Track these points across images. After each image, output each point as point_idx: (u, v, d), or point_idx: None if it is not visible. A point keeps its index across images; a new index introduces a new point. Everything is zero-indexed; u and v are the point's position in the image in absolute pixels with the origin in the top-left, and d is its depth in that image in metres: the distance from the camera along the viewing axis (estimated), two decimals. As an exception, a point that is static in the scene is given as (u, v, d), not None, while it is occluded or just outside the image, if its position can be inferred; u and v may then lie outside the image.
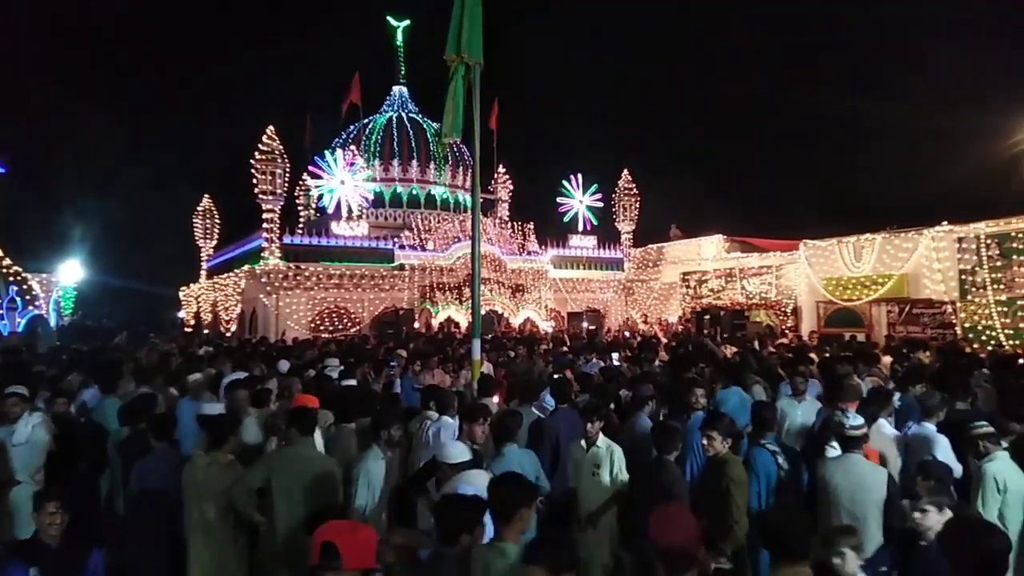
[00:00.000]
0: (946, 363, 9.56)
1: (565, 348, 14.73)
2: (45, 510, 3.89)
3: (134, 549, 4.95)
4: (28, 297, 25.36)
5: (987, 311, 17.13)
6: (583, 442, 5.56)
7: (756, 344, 14.94)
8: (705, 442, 4.95)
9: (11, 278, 24.95)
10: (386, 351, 12.99)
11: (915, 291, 18.91)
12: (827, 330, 20.09)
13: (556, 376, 9.68)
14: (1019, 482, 4.52)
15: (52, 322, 27.17)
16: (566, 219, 31.71)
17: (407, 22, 34.62)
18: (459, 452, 4.51)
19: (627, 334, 21.05)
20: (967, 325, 17.44)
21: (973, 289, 17.51)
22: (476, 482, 4.03)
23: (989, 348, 15.80)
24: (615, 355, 12.27)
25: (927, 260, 18.69)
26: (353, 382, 8.21)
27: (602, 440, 5.50)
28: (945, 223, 18.57)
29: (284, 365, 9.71)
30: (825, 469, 4.72)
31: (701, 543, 3.10)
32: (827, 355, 11.34)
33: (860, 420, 4.77)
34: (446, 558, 3.27)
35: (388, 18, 34.48)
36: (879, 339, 17.94)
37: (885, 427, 5.88)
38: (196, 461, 4.81)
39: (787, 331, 21.25)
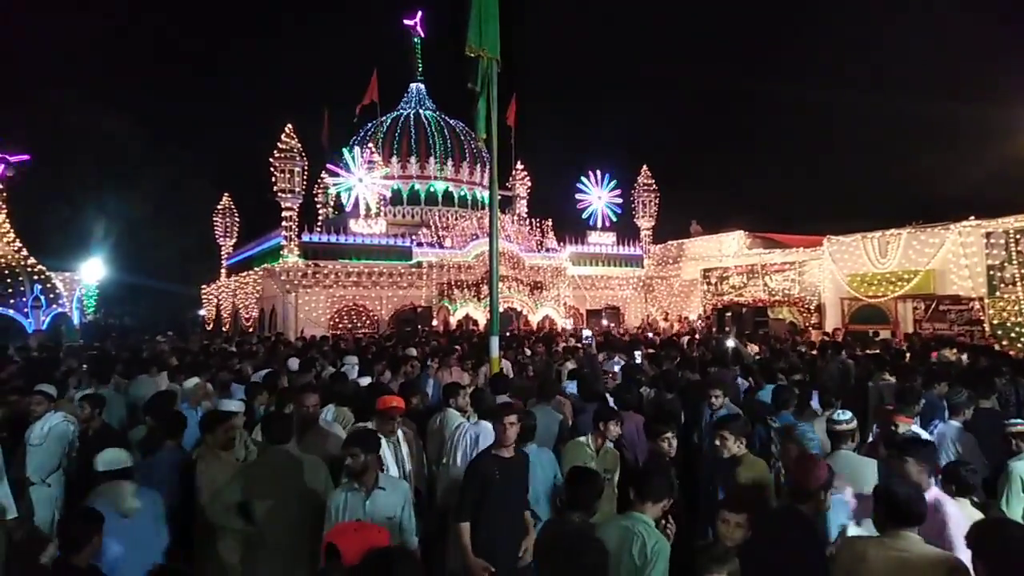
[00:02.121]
0: (993, 363, 9.31)
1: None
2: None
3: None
4: (52, 295, 25.78)
5: (1016, 307, 16.82)
6: (590, 444, 5.33)
7: (787, 341, 14.83)
8: (718, 443, 4.86)
9: (35, 276, 25.37)
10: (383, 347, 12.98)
11: (942, 287, 18.61)
12: (852, 327, 19.85)
13: (573, 369, 9.67)
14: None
15: (75, 320, 27.62)
16: (585, 215, 31.66)
17: (420, 14, 34.64)
18: (114, 459, 4.19)
19: (649, 334, 20.92)
20: (995, 322, 17.14)
21: (1002, 285, 17.20)
22: (112, 493, 3.95)
23: (1019, 345, 15.54)
24: (638, 353, 12.20)
25: (954, 256, 18.39)
26: (368, 380, 8.22)
27: (608, 445, 5.36)
28: (972, 218, 18.26)
29: (294, 363, 9.72)
30: None
31: (829, 486, 3.72)
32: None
33: (848, 415, 4.76)
34: (586, 523, 3.63)
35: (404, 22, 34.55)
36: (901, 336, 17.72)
37: (914, 428, 5.80)
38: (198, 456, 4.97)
39: (811, 328, 21.05)
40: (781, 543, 3.49)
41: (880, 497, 3.35)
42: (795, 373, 8.18)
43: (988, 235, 17.60)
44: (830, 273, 21.73)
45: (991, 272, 17.45)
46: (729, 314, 24.82)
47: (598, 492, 3.78)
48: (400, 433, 5.40)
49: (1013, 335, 16.43)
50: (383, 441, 5.00)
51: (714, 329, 22.97)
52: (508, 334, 18.66)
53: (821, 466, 3.79)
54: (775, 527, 3.61)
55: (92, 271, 30.25)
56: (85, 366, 10.73)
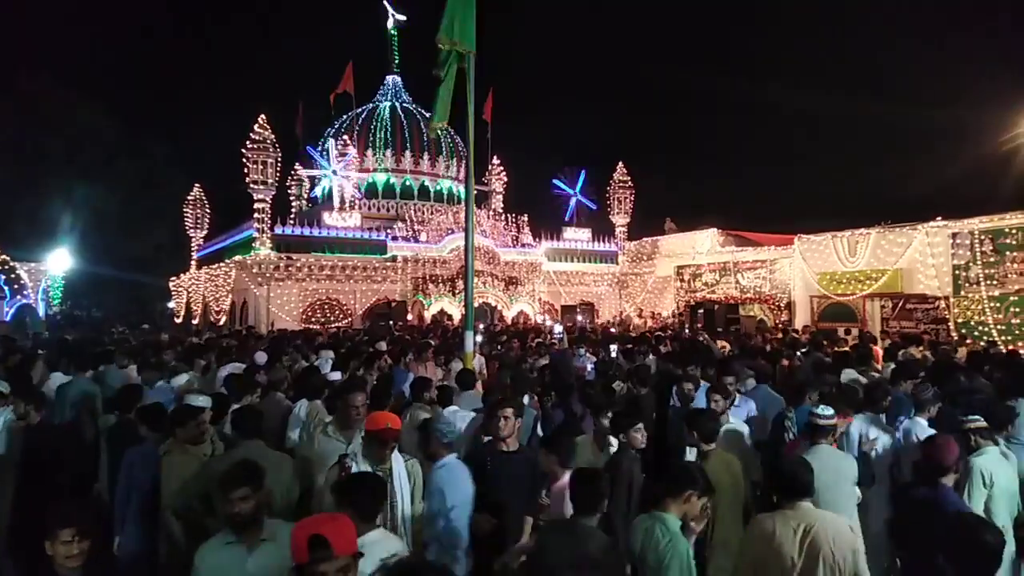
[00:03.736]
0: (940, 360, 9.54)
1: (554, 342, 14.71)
2: (59, 539, 3.01)
3: (125, 539, 4.90)
4: (16, 286, 25.19)
5: (980, 307, 17.20)
6: (592, 439, 5.27)
7: (758, 337, 14.95)
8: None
9: (-2, 267, 24.79)
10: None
11: (909, 286, 18.99)
12: (821, 324, 20.16)
13: (546, 364, 9.65)
14: (1006, 476, 4.55)
15: (40, 312, 27.01)
16: (567, 218, 31.80)
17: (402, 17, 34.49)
18: None
19: (612, 330, 20.95)
20: (960, 320, 17.52)
21: (966, 284, 17.58)
22: None
23: (981, 344, 15.90)
24: (613, 347, 12.24)
25: (921, 255, 18.76)
26: (337, 376, 8.10)
27: (614, 440, 5.17)
28: (939, 218, 18.65)
29: (262, 357, 9.57)
30: None
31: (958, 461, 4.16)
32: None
33: (830, 411, 4.81)
34: (588, 526, 3.44)
35: (385, 3, 34.34)
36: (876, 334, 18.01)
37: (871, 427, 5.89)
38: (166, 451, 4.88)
39: (779, 325, 21.31)
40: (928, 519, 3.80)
41: (772, 476, 3.68)
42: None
43: (954, 236, 17.97)
44: (800, 271, 22.06)
45: (956, 272, 17.83)
46: (701, 311, 25.04)
47: (602, 493, 3.56)
48: (398, 461, 4.23)
49: (976, 334, 16.79)
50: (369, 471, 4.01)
51: (687, 326, 23.14)
52: (481, 328, 18.61)
53: (951, 443, 4.16)
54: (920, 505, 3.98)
55: (59, 262, 29.58)
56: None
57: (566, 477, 4.07)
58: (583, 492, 3.54)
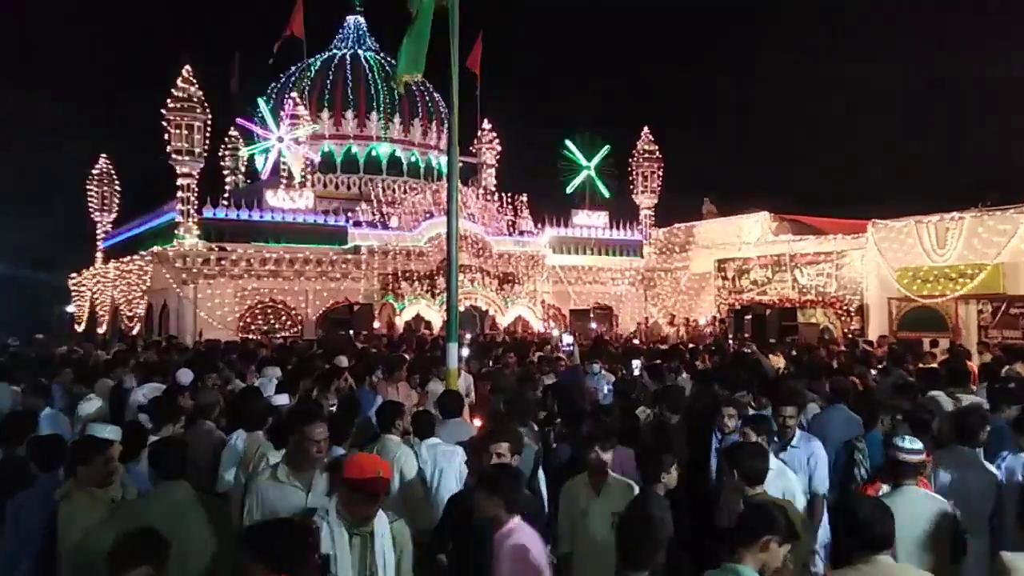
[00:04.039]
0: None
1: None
2: None
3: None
4: None
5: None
6: (586, 480, 5.16)
7: (820, 351, 14.99)
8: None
9: None
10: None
11: (1013, 285, 19.03)
12: (901, 334, 20.18)
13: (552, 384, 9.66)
14: None
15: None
16: (569, 189, 31.77)
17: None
18: None
19: (635, 341, 20.99)
20: (1079, 329, 17.60)
21: (1087, 283, 17.64)
22: None
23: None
24: (636, 363, 12.24)
25: (1030, 246, 18.82)
26: (285, 399, 8.05)
27: (615, 477, 5.12)
28: (1053, 198, 18.73)
29: (187, 376, 9.59)
30: None
31: None
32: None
33: (919, 444, 4.80)
34: None
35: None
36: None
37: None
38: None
39: (851, 335, 21.34)
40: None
41: (843, 521, 3.64)
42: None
43: (1072, 220, 18.04)
44: (875, 267, 22.11)
45: (1075, 267, 17.89)
46: (749, 317, 25.07)
47: (656, 544, 3.62)
48: (381, 521, 4.03)
49: (1099, 346, 16.88)
50: (344, 536, 3.86)
51: (730, 336, 23.20)
52: (469, 338, 18.64)
53: None
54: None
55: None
56: None
57: (513, 522, 4.06)
58: (632, 540, 3.55)
